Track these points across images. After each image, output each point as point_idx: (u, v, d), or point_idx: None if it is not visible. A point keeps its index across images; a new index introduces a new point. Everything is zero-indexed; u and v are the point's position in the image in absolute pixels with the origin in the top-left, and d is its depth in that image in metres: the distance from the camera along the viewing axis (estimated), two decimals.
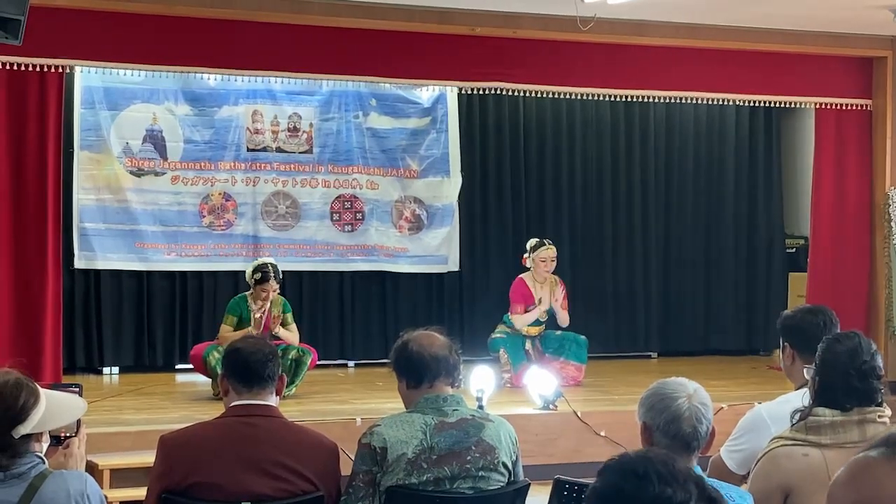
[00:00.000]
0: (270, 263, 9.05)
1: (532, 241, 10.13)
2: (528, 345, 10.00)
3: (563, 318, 10.12)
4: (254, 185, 10.85)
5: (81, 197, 10.34)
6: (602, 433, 8.15)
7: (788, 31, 10.14)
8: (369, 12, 9.13)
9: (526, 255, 10.07)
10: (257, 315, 8.86)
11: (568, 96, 10.65)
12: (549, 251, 10.01)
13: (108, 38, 8.89)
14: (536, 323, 10.06)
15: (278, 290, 9.06)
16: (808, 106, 11.25)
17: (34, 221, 8.79)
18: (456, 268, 11.51)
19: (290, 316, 9.16)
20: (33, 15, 6.28)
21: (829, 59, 10.72)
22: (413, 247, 11.40)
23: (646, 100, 11.12)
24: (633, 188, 12.10)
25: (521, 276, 10.08)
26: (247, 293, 9.02)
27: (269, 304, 8.94)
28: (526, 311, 9.93)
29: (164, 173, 10.64)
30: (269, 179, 10.97)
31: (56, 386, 3.71)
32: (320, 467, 4.13)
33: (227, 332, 8.76)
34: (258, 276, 8.92)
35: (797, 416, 3.71)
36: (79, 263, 10.35)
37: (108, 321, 10.54)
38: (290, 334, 9.11)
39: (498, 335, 10.00)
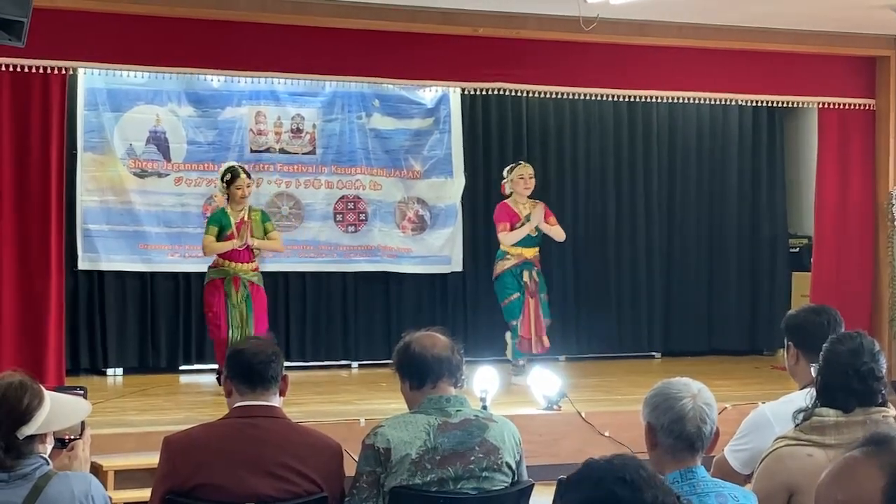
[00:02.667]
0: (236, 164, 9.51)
1: (508, 167, 10.10)
2: (526, 276, 9.80)
3: (558, 233, 9.97)
4: (257, 187, 10.81)
5: (85, 198, 10.35)
6: (606, 433, 8.14)
7: (791, 30, 10.14)
8: (372, 13, 9.14)
9: (504, 181, 9.99)
10: (236, 220, 9.12)
11: (571, 96, 10.66)
12: (526, 168, 9.93)
13: (111, 40, 8.90)
14: (530, 242, 9.84)
15: (252, 188, 9.39)
16: (810, 106, 11.26)
17: (37, 223, 8.80)
18: (459, 268, 11.51)
19: (270, 224, 9.45)
20: (36, 17, 6.28)
21: (832, 58, 10.72)
22: (416, 247, 11.41)
23: (649, 100, 11.14)
24: (636, 188, 12.10)
25: (502, 201, 10.01)
26: (225, 206, 9.22)
27: (247, 212, 9.17)
28: (513, 229, 9.77)
29: (167, 175, 10.65)
30: (272, 180, 10.98)
31: (61, 389, 3.72)
32: (324, 468, 4.13)
33: (211, 242, 9.11)
34: (228, 175, 9.21)
35: (800, 416, 3.71)
36: (82, 265, 10.36)
37: (111, 322, 10.55)
38: (274, 242, 9.47)
39: (499, 269, 9.83)
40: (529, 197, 9.89)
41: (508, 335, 9.93)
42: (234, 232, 9.09)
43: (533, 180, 9.89)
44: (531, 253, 9.87)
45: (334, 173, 11.18)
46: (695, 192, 12.32)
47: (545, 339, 9.87)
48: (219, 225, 9.13)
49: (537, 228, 9.80)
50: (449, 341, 4.24)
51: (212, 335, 9.39)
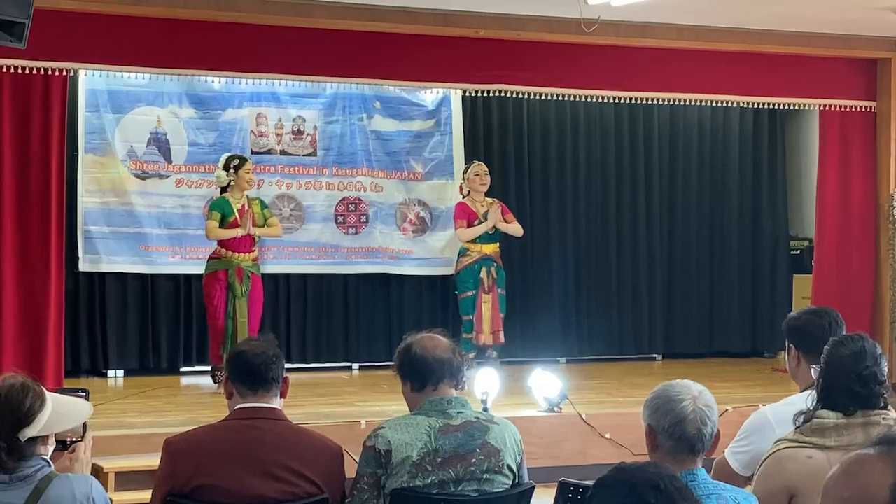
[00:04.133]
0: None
1: (464, 168, 10.56)
2: (483, 273, 10.15)
3: (516, 230, 10.40)
4: (258, 188, 10.84)
5: (86, 200, 10.35)
6: (607, 435, 8.15)
7: (792, 32, 10.14)
8: (373, 15, 9.14)
9: (462, 182, 10.48)
10: (238, 206, 9.25)
11: (572, 98, 10.67)
12: (481, 167, 10.39)
13: (112, 41, 8.91)
14: (489, 239, 10.23)
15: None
16: (812, 108, 11.27)
17: (38, 224, 8.81)
18: None
19: (269, 211, 9.67)
20: (37, 18, 6.28)
21: (834, 60, 10.72)
22: (417, 249, 11.40)
23: (650, 102, 11.15)
24: (637, 190, 12.09)
25: (460, 201, 10.42)
26: (225, 194, 9.33)
27: (247, 201, 9.32)
28: (470, 226, 10.18)
29: (168, 176, 10.64)
30: (273, 182, 10.98)
31: (63, 391, 3.71)
32: (325, 470, 4.13)
33: (214, 227, 9.22)
34: (236, 161, 9.36)
35: (801, 419, 3.71)
36: (83, 266, 10.35)
37: (112, 324, 10.54)
38: (275, 228, 9.64)
39: (460, 266, 10.25)
40: (487, 195, 10.32)
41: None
42: (238, 219, 9.15)
43: (488, 177, 10.35)
44: (490, 249, 10.27)
45: (335, 175, 11.18)
46: (696, 193, 12.31)
47: (501, 333, 10.26)
48: (221, 211, 9.24)
49: (495, 227, 10.18)
50: (450, 343, 4.24)
51: (208, 322, 9.43)
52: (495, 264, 10.26)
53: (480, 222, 10.18)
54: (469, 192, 10.33)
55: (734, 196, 12.38)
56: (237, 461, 4.02)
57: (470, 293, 10.19)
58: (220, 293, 9.17)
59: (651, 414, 3.35)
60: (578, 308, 11.85)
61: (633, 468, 1.99)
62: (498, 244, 10.33)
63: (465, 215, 10.23)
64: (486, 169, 10.37)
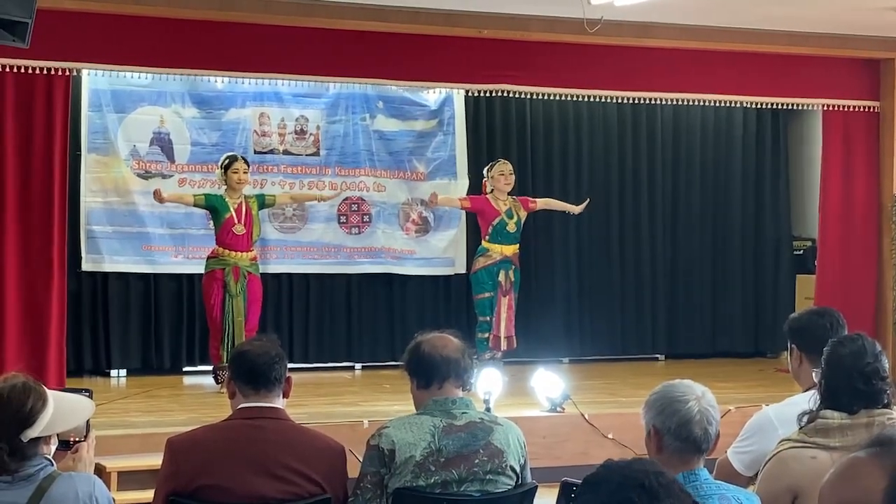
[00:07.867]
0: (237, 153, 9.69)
1: (487, 166, 10.30)
2: (502, 275, 9.99)
3: (547, 202, 10.48)
4: (261, 188, 10.83)
5: (89, 199, 10.35)
6: (609, 435, 8.15)
7: (795, 32, 10.14)
8: (376, 14, 9.14)
9: (485, 179, 10.21)
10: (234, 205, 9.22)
11: (575, 98, 10.67)
12: (506, 165, 10.16)
13: (115, 41, 8.91)
14: (510, 240, 10.03)
15: (248, 176, 9.41)
16: (815, 108, 11.26)
17: (40, 224, 8.81)
18: (463, 270, 11.49)
19: (271, 197, 9.70)
20: (41, 18, 6.29)
21: (836, 60, 10.72)
22: (420, 249, 11.41)
23: (653, 102, 11.14)
24: (640, 190, 12.09)
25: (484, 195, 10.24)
26: (222, 192, 9.30)
27: (244, 200, 9.24)
28: (490, 225, 9.97)
29: (171, 176, 10.64)
30: (275, 182, 10.97)
31: (68, 391, 3.70)
32: (327, 470, 4.13)
33: (183, 196, 9.61)
34: (226, 161, 9.28)
35: (805, 419, 3.71)
36: (86, 266, 10.36)
37: (115, 324, 10.55)
38: (298, 194, 10.23)
39: (478, 266, 10.08)
40: (509, 194, 10.12)
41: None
42: (234, 217, 9.10)
43: (513, 176, 10.11)
44: (511, 251, 10.08)
45: (338, 175, 11.17)
46: (699, 193, 12.31)
47: (514, 339, 10.12)
48: (212, 204, 9.21)
49: (517, 224, 10.02)
50: (461, 344, 4.24)
51: (207, 321, 9.41)
52: (513, 267, 10.08)
53: (503, 221, 9.95)
54: (492, 189, 10.06)
55: (737, 196, 12.38)
56: (240, 461, 4.02)
57: (487, 294, 9.99)
58: (217, 292, 9.13)
59: (656, 415, 3.34)
60: (581, 308, 11.85)
61: (619, 465, 1.99)
62: (517, 245, 10.14)
63: (481, 205, 10.06)
64: (511, 168, 10.13)
